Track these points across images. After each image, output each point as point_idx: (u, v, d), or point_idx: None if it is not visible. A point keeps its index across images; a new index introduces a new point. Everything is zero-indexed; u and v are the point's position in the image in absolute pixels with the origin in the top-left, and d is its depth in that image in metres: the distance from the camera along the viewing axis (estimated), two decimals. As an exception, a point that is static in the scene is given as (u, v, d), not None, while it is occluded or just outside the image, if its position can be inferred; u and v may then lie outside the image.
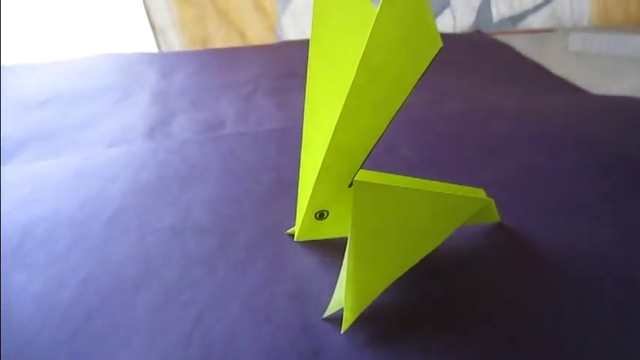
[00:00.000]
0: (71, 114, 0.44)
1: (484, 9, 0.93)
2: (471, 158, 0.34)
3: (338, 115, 0.18)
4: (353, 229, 0.18)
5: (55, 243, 0.25)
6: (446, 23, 0.93)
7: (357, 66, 0.18)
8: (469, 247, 0.25)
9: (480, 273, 0.23)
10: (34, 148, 0.38)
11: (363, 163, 0.18)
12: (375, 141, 0.18)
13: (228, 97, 0.47)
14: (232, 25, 0.88)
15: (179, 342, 0.19)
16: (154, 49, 0.92)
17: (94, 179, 0.31)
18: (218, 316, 0.20)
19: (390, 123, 0.17)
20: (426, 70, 0.16)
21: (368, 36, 0.18)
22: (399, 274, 0.20)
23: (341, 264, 0.23)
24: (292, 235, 0.25)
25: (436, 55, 0.15)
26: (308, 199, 0.20)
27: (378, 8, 0.14)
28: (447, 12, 0.94)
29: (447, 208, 0.21)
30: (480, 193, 0.25)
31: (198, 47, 0.88)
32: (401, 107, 0.17)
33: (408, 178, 0.23)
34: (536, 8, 0.93)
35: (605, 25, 0.91)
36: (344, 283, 0.19)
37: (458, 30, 0.93)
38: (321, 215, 0.21)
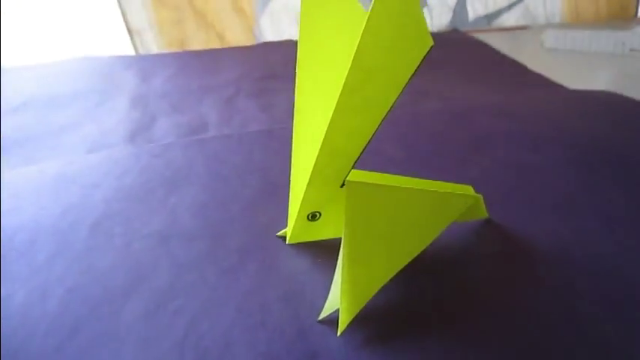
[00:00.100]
0: (48, 119, 0.43)
1: (460, 8, 0.94)
2: (455, 156, 0.34)
3: (329, 116, 0.18)
4: (346, 230, 0.18)
5: (37, 252, 0.24)
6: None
7: (347, 66, 0.18)
8: (459, 244, 0.25)
9: (471, 270, 0.23)
10: (11, 154, 0.37)
11: (355, 163, 0.18)
12: (367, 141, 0.18)
13: (209, 100, 0.47)
14: (211, 27, 0.87)
15: (172, 350, 0.19)
16: (131, 52, 0.90)
17: (76, 185, 0.30)
18: (211, 322, 0.20)
19: (381, 122, 0.17)
20: (417, 69, 0.16)
21: (358, 35, 0.18)
22: (394, 274, 0.20)
23: (333, 266, 0.22)
24: (283, 238, 0.25)
25: (427, 53, 0.15)
26: (300, 201, 0.19)
27: (370, 7, 0.14)
28: (424, 11, 0.95)
29: (438, 205, 0.21)
30: (469, 190, 0.25)
31: (176, 50, 0.86)
32: (392, 106, 0.17)
33: (397, 176, 0.23)
34: (510, 6, 0.95)
35: (576, 22, 0.94)
36: (339, 284, 0.19)
37: (435, 29, 0.94)
38: (313, 217, 0.21)
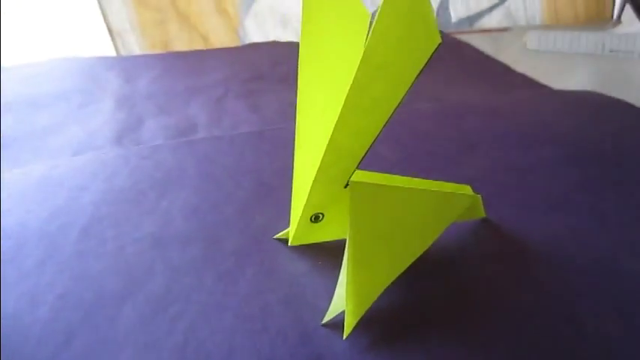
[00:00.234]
0: (31, 121, 0.42)
1: (443, 10, 0.95)
2: (449, 156, 0.34)
3: (334, 115, 0.18)
4: (351, 231, 0.18)
5: (25, 257, 0.23)
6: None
7: (350, 64, 0.18)
8: (457, 244, 0.25)
9: (471, 271, 0.23)
10: (-7, 158, 0.36)
11: (359, 163, 0.18)
12: (373, 140, 0.17)
13: (197, 101, 0.46)
14: (194, 29, 0.86)
15: (172, 356, 0.18)
16: (112, 54, 0.88)
17: (63, 189, 0.29)
18: (212, 328, 0.19)
19: (387, 122, 0.17)
20: (424, 67, 0.16)
21: (361, 33, 0.18)
22: (397, 275, 0.20)
23: (334, 268, 0.22)
24: (280, 240, 0.25)
25: (435, 51, 0.15)
26: (304, 203, 0.19)
27: (381, 4, 0.13)
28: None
29: (440, 205, 0.21)
30: (467, 190, 0.25)
31: (159, 51, 0.85)
32: (399, 105, 0.17)
33: (398, 177, 0.23)
34: (491, 8, 0.96)
35: (555, 24, 0.95)
36: (343, 286, 0.19)
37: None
38: (316, 218, 0.20)
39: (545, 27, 0.91)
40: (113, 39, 0.89)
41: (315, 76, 0.18)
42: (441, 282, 0.22)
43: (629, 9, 0.76)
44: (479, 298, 0.21)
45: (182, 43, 0.88)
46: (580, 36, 0.71)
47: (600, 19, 0.94)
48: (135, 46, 0.90)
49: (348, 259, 0.18)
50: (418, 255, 0.21)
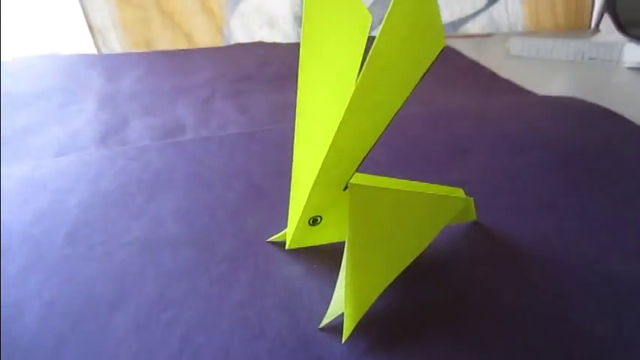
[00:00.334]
0: (10, 120, 0.41)
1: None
2: (440, 159, 0.34)
3: (335, 117, 0.18)
4: (350, 234, 0.18)
5: (9, 263, 0.23)
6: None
7: (351, 66, 0.18)
8: (450, 247, 0.25)
9: (464, 272, 0.23)
10: (-29, 158, 0.35)
11: (359, 165, 0.18)
12: (374, 143, 0.17)
13: (184, 102, 0.45)
14: (178, 27, 0.85)
15: (168, 365, 0.18)
16: (92, 51, 0.86)
17: (46, 191, 0.28)
18: (208, 334, 0.19)
19: (389, 124, 0.17)
20: (428, 70, 0.16)
21: (361, 35, 0.18)
22: (395, 277, 0.20)
23: (329, 271, 0.22)
24: (274, 243, 0.24)
25: (439, 54, 0.15)
26: (303, 205, 0.19)
27: (390, 6, 0.13)
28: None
29: (436, 207, 0.21)
30: (460, 193, 0.25)
31: (141, 49, 0.84)
32: (401, 107, 0.16)
33: (394, 179, 0.23)
34: (475, 14, 0.98)
35: (536, 30, 0.97)
36: (342, 289, 0.18)
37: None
38: (314, 221, 0.20)
39: (527, 34, 0.93)
40: (94, 36, 0.87)
41: (315, 77, 0.18)
42: (436, 284, 0.22)
43: (607, 18, 0.78)
44: (473, 301, 0.21)
45: (165, 41, 0.86)
46: (561, 43, 0.72)
47: (579, 27, 0.97)
48: (116, 44, 0.88)
49: (346, 262, 0.18)
50: (414, 257, 0.21)
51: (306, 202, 0.18)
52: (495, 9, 0.98)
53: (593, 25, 0.94)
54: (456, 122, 0.40)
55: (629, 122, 0.41)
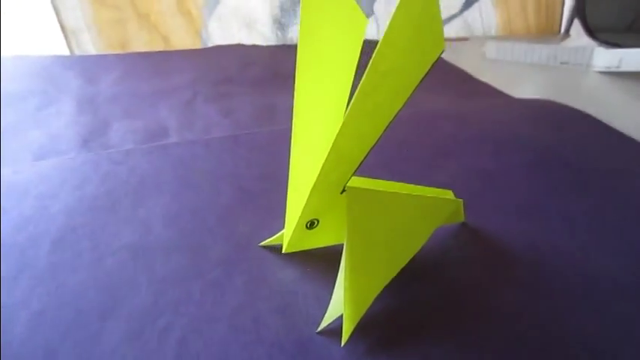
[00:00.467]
0: (-16, 124, 0.39)
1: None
2: (423, 162, 0.35)
3: (333, 121, 0.18)
4: (348, 237, 0.18)
5: (-8, 272, 0.22)
6: (370, 31, 0.96)
7: (348, 69, 0.18)
8: (440, 248, 0.25)
9: (456, 273, 0.23)
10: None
11: (357, 168, 0.18)
12: (372, 145, 0.17)
13: (166, 104, 0.45)
14: (155, 29, 0.83)
15: (165, 373, 0.17)
16: (65, 53, 0.84)
17: (29, 196, 0.27)
18: (204, 341, 0.19)
19: (387, 127, 0.17)
20: (427, 73, 0.16)
21: (358, 38, 0.18)
22: (391, 278, 0.20)
23: (324, 274, 0.22)
24: (266, 247, 0.24)
25: (438, 57, 0.15)
26: (301, 208, 0.19)
27: (394, 10, 0.13)
28: (370, 20, 0.97)
29: (429, 209, 0.22)
30: (449, 194, 0.25)
31: (116, 51, 0.82)
32: (400, 110, 0.17)
33: (386, 182, 0.23)
34: (450, 19, 0.99)
35: (509, 35, 1.00)
36: (341, 293, 0.18)
37: (381, 36, 0.96)
38: (311, 224, 0.20)
39: (501, 38, 0.95)
40: (67, 37, 0.85)
41: (312, 81, 0.18)
42: (430, 285, 0.22)
43: (577, 24, 0.81)
44: (467, 301, 0.22)
45: (141, 43, 0.85)
46: (534, 48, 0.75)
47: (550, 32, 1.00)
48: (90, 46, 0.86)
49: (345, 264, 0.18)
50: (409, 259, 0.21)
51: (305, 206, 0.18)
52: (469, 14, 1.00)
53: (563, 29, 0.97)
54: (438, 125, 0.41)
55: (601, 124, 0.42)
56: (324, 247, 0.23)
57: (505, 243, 0.26)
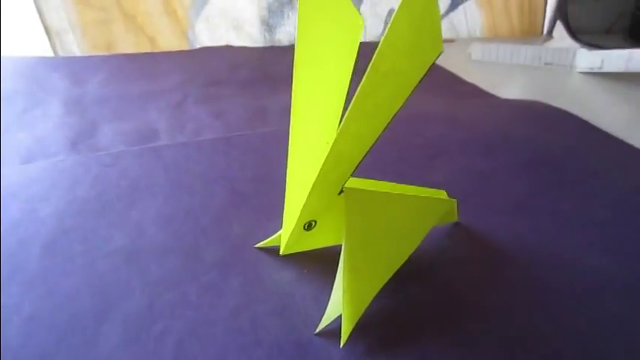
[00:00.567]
0: (-31, 126, 0.38)
1: (391, 19, 0.98)
2: (416, 162, 0.35)
3: (330, 122, 0.18)
4: (347, 237, 0.18)
5: (-18, 277, 0.21)
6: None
7: (346, 70, 0.18)
8: (435, 248, 0.25)
9: (451, 272, 0.23)
10: None
11: (355, 169, 0.18)
12: (371, 146, 0.17)
13: (155, 106, 0.44)
14: (140, 30, 0.83)
15: (163, 377, 0.17)
16: (49, 54, 0.83)
17: (17, 200, 0.27)
18: (202, 344, 0.18)
19: (385, 128, 0.17)
20: (426, 74, 0.16)
21: (354, 39, 0.18)
22: (388, 278, 0.20)
23: (321, 275, 0.22)
24: (262, 249, 0.24)
25: (436, 58, 0.16)
26: (299, 210, 0.19)
27: (395, 11, 0.13)
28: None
29: (425, 209, 0.22)
30: (443, 194, 0.26)
31: (102, 52, 0.81)
32: (397, 112, 0.17)
33: (381, 182, 0.23)
34: (436, 20, 1.00)
35: (493, 37, 1.01)
36: (339, 293, 0.19)
37: (369, 39, 0.97)
38: (309, 226, 0.20)
39: (486, 39, 0.96)
40: (50, 39, 0.83)
41: (309, 83, 0.18)
42: (426, 285, 0.22)
43: (559, 25, 0.82)
44: (462, 300, 0.22)
45: (127, 44, 0.84)
46: (519, 49, 0.76)
47: (533, 33, 1.01)
48: (74, 47, 0.84)
49: (343, 265, 0.18)
50: (405, 259, 0.21)
51: (304, 207, 0.18)
52: (455, 15, 1.01)
53: (545, 31, 0.98)
54: (429, 125, 0.41)
55: (586, 123, 0.43)
56: (321, 249, 0.23)
57: (498, 242, 0.26)
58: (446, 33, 1.01)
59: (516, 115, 0.47)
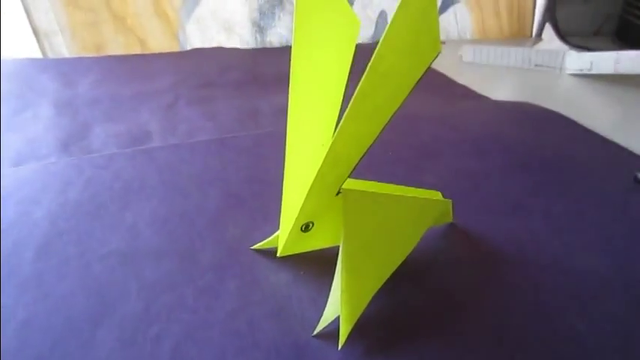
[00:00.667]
0: (-42, 128, 0.38)
1: (382, 21, 0.98)
2: (409, 163, 0.35)
3: (326, 124, 0.18)
4: (345, 238, 0.18)
5: (-25, 281, 0.21)
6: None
7: (342, 72, 0.18)
8: (431, 249, 0.25)
9: (448, 273, 0.24)
10: None
11: (352, 170, 0.18)
12: (368, 147, 0.18)
13: (147, 108, 0.44)
14: (131, 32, 0.82)
15: (161, 380, 0.17)
16: (38, 56, 0.82)
17: (10, 202, 0.27)
18: (199, 347, 0.18)
19: (383, 129, 0.17)
20: (423, 74, 0.16)
21: (351, 40, 0.18)
22: (385, 279, 0.20)
23: (317, 277, 0.22)
24: (258, 251, 0.24)
25: (435, 58, 0.16)
26: (297, 211, 0.19)
27: (394, 13, 0.13)
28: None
29: (422, 210, 0.22)
30: (438, 195, 0.26)
31: (92, 54, 0.80)
32: (395, 112, 0.17)
33: (378, 183, 0.23)
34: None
35: (483, 38, 1.02)
36: (337, 295, 0.19)
37: (359, 40, 0.97)
38: (306, 227, 0.20)
39: (477, 42, 0.97)
40: (39, 41, 0.82)
41: (306, 84, 0.18)
42: (422, 286, 0.22)
43: (548, 27, 0.83)
44: (458, 301, 0.22)
45: (117, 46, 0.83)
46: (510, 51, 0.76)
47: (522, 35, 1.02)
48: (63, 49, 0.83)
49: (341, 266, 0.18)
50: (402, 259, 0.21)
51: (301, 208, 0.18)
52: (445, 17, 1.02)
53: (534, 33, 0.99)
54: (422, 127, 0.41)
55: (576, 124, 0.44)
56: (317, 250, 0.23)
57: (492, 242, 0.26)
58: (436, 35, 1.02)
59: (508, 117, 0.47)
